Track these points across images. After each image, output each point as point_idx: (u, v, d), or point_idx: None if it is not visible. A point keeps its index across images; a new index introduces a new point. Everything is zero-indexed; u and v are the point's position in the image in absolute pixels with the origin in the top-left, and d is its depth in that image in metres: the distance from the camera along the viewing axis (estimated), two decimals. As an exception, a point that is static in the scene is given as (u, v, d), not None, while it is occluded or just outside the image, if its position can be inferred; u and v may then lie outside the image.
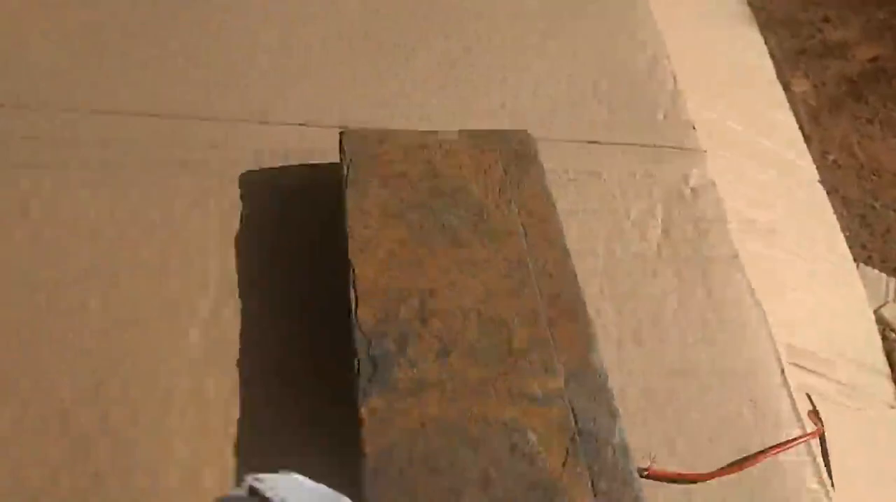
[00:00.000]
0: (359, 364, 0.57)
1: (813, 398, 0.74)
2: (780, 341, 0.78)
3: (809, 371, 0.84)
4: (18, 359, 0.59)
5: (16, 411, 0.57)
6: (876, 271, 1.47)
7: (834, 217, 1.06)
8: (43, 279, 0.63)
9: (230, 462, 0.57)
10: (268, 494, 0.41)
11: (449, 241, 0.63)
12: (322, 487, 0.43)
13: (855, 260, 1.08)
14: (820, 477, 0.61)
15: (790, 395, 0.65)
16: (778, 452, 0.61)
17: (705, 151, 0.82)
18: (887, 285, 1.48)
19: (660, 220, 0.76)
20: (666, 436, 0.62)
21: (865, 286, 1.16)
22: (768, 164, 1.07)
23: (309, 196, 0.72)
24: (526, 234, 0.64)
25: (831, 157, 1.61)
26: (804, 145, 1.15)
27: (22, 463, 0.55)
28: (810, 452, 0.62)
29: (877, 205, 1.56)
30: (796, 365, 0.83)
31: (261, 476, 0.42)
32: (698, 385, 0.65)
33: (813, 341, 0.91)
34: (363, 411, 0.54)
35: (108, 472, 0.55)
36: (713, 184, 0.80)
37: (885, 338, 1.25)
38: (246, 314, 0.64)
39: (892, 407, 0.99)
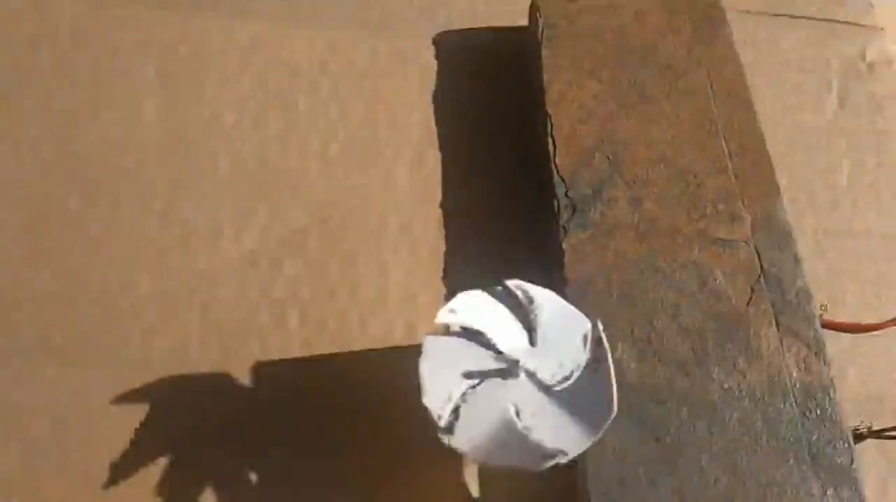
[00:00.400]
0: (559, 204, 0.63)
1: None
2: None
3: None
4: (256, 190, 0.68)
5: (255, 236, 0.66)
6: None
7: None
8: (273, 128, 0.71)
9: (440, 286, 0.65)
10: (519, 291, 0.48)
11: (638, 97, 0.67)
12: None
13: None
14: None
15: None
16: (946, 310, 0.64)
17: (883, 28, 0.82)
18: None
19: (836, 94, 0.78)
20: (836, 291, 0.66)
21: None
22: None
23: (500, 56, 0.77)
24: (714, 92, 0.67)
25: None
26: None
27: (265, 278, 0.64)
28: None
29: None
30: None
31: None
32: (867, 247, 0.69)
33: None
34: (565, 245, 0.61)
35: (339, 289, 0.64)
36: (890, 61, 0.80)
37: None
38: (446, 161, 0.71)
39: None
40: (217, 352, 0.60)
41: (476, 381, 0.46)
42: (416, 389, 0.45)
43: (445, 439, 0.44)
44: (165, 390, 0.58)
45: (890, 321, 0.64)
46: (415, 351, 0.54)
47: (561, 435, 0.45)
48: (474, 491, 0.53)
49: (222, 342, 0.61)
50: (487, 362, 0.47)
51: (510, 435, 0.44)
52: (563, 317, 0.49)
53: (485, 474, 0.54)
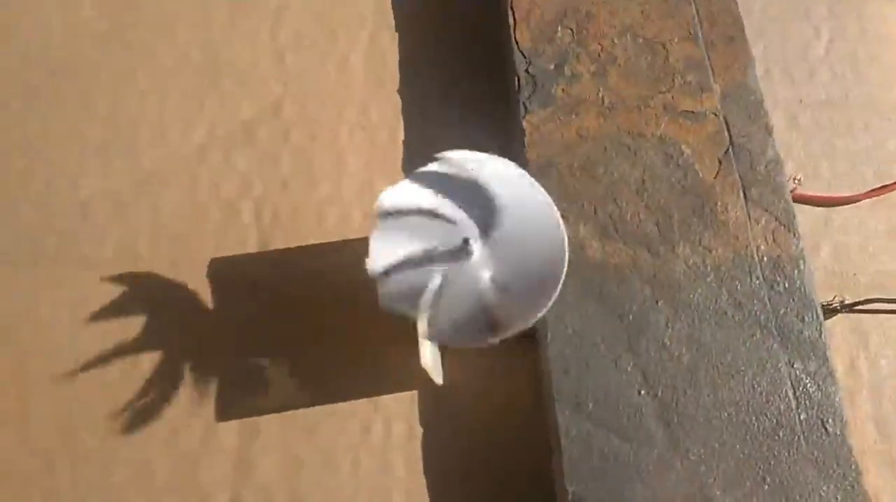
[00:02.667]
0: (519, 81, 0.59)
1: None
2: None
3: None
4: (202, 82, 0.64)
5: (203, 130, 0.63)
6: None
7: None
8: (218, 16, 0.67)
9: (399, 174, 0.62)
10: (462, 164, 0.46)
11: None
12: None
13: None
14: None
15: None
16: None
17: None
18: None
19: (815, -45, 0.73)
20: (810, 162, 0.63)
21: None
22: None
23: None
24: None
25: None
26: None
27: (215, 172, 0.61)
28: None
29: None
30: None
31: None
32: (845, 116, 0.66)
33: None
34: (525, 124, 0.58)
35: (294, 181, 0.61)
36: None
37: None
38: (403, 42, 0.67)
39: None
40: (169, 251, 0.58)
41: (428, 259, 0.44)
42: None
43: (387, 304, 0.42)
44: (116, 291, 0.56)
45: (865, 193, 0.61)
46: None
47: (515, 308, 0.43)
48: (437, 377, 0.52)
49: (174, 241, 0.59)
50: (439, 239, 0.45)
51: (467, 310, 0.42)
52: (510, 184, 0.46)
53: (450, 355, 0.53)
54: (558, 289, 0.43)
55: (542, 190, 0.46)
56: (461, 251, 0.44)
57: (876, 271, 0.59)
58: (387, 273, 0.43)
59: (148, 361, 0.54)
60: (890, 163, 0.62)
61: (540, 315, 0.44)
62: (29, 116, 0.63)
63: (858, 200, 0.61)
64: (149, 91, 0.64)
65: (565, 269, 0.44)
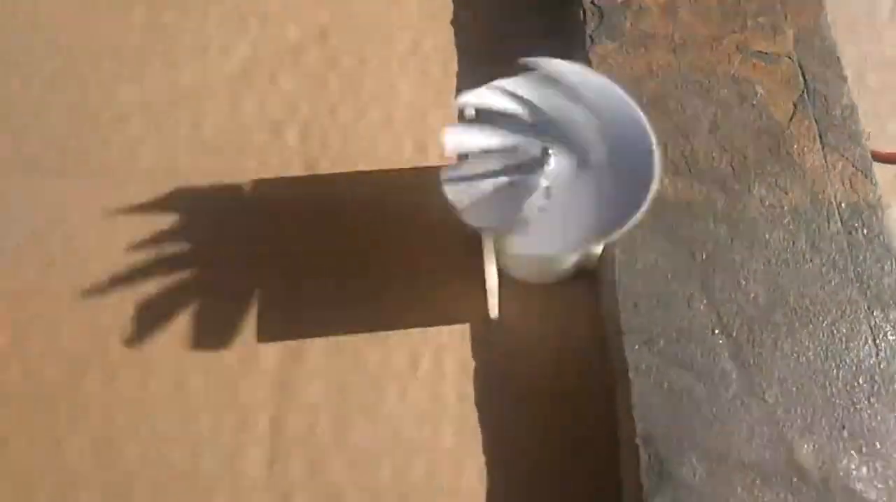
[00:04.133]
0: (585, 13, 0.56)
1: None
2: None
3: None
4: (246, 3, 0.61)
5: (247, 49, 0.60)
6: None
7: None
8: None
9: (452, 106, 0.59)
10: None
11: None
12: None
13: None
14: None
15: None
16: None
17: None
18: None
19: None
20: (878, 121, 0.61)
21: None
22: None
23: None
24: None
25: None
26: None
27: (259, 91, 0.58)
28: None
29: None
30: None
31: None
32: (909, 80, 0.63)
33: None
34: (591, 55, 0.55)
35: (341, 105, 0.58)
36: None
37: None
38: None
39: None
40: (209, 168, 0.54)
41: (502, 166, 0.41)
42: (435, 201, 0.40)
43: (463, 218, 0.39)
44: (150, 204, 0.53)
45: (933, 154, 0.59)
46: (424, 172, 0.49)
47: (587, 227, 0.40)
48: (493, 311, 0.49)
49: (214, 158, 0.55)
50: (515, 149, 0.42)
51: (537, 220, 0.39)
52: (605, 95, 0.43)
53: (505, 292, 0.50)
54: (645, 205, 0.40)
55: (635, 106, 0.43)
56: (538, 161, 0.41)
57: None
58: (464, 189, 0.40)
59: (183, 278, 0.50)
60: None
61: (623, 230, 0.40)
62: (61, 18, 0.59)
63: (926, 161, 0.58)
64: (189, 6, 0.60)
65: (654, 185, 0.40)
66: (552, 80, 0.43)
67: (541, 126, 0.42)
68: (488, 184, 0.41)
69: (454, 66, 0.60)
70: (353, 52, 0.59)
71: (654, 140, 0.42)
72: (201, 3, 0.61)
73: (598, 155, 0.42)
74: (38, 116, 0.56)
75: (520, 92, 0.42)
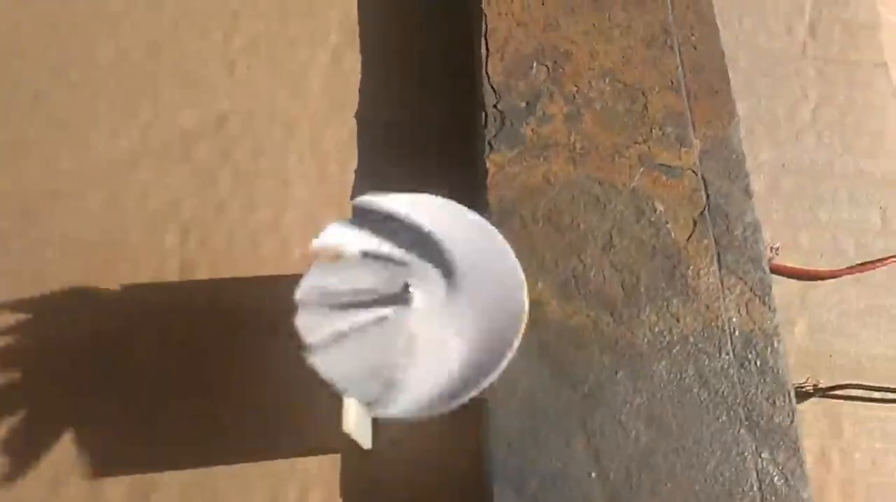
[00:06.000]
0: (486, 116, 0.54)
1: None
2: None
3: None
4: (141, 83, 0.58)
5: (136, 135, 0.57)
6: None
7: None
8: (168, 16, 0.61)
9: (346, 207, 0.56)
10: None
11: (589, 2, 0.59)
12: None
13: None
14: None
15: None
16: (904, 261, 0.58)
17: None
18: None
19: (807, 18, 0.70)
20: (790, 231, 0.59)
21: None
22: None
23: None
24: (672, 3, 0.59)
25: None
26: None
27: (146, 186, 0.55)
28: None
29: None
30: None
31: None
32: (829, 186, 0.62)
33: None
34: (488, 163, 0.53)
35: (230, 203, 0.55)
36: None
37: None
38: (367, 64, 0.62)
39: None
40: (79, 270, 0.51)
41: (361, 310, 0.38)
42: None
43: (313, 364, 0.36)
44: (12, 308, 0.49)
45: (846, 269, 0.57)
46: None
47: (451, 372, 0.37)
48: (365, 441, 0.46)
49: (85, 258, 0.52)
50: (375, 288, 0.39)
51: (389, 374, 0.36)
52: (460, 229, 0.41)
53: (378, 420, 0.47)
54: (512, 352, 0.38)
55: (498, 235, 0.40)
56: (401, 297, 0.38)
57: (853, 353, 0.54)
58: (321, 328, 0.37)
59: (35, 395, 0.47)
60: (873, 237, 0.58)
61: (493, 378, 0.38)
62: None
63: (838, 275, 0.57)
64: (80, 84, 0.57)
65: (522, 329, 0.38)
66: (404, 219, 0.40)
67: (403, 262, 0.40)
68: (348, 330, 0.38)
69: (354, 164, 0.57)
70: (249, 145, 0.57)
71: (521, 273, 0.40)
72: (93, 82, 0.58)
73: (462, 290, 0.39)
74: None
75: (378, 229, 0.40)
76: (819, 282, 0.57)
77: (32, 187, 0.54)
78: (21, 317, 0.50)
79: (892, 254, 0.58)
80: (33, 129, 0.56)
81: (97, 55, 0.59)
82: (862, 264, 0.58)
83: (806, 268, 0.57)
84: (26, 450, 0.45)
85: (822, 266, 0.58)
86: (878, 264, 0.57)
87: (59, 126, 0.56)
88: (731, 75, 0.57)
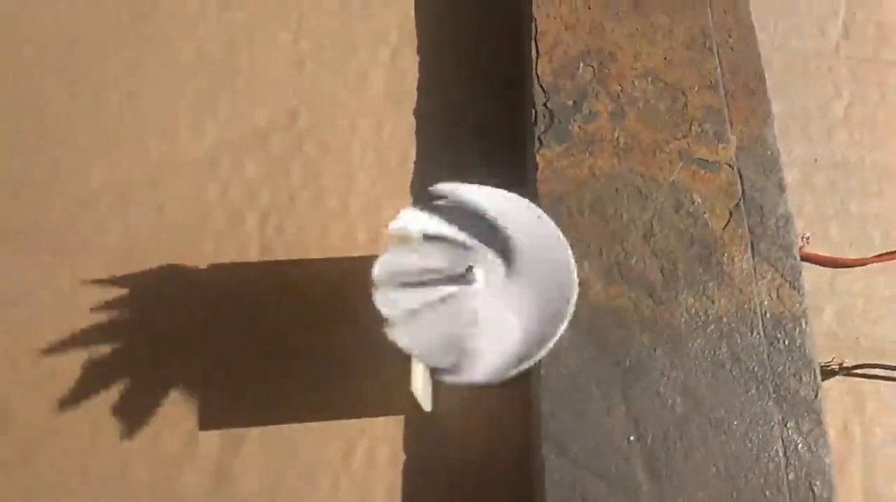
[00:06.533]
0: (536, 114, 0.59)
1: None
2: None
3: None
4: (219, 83, 0.64)
5: (216, 131, 0.63)
6: None
7: None
8: (240, 17, 0.67)
9: (406, 196, 0.61)
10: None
11: (632, 5, 0.63)
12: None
13: None
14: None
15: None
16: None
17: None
18: None
19: (841, 21, 0.73)
20: (820, 222, 0.63)
21: None
22: None
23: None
24: (712, 8, 0.63)
25: None
26: None
27: (226, 177, 0.61)
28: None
29: None
30: None
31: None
32: (859, 180, 0.65)
33: None
34: (538, 158, 0.57)
35: (301, 194, 0.61)
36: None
37: None
38: (424, 63, 0.67)
39: None
40: (168, 251, 0.57)
41: (430, 288, 0.44)
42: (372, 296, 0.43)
43: (393, 337, 0.42)
44: (111, 283, 0.56)
45: (873, 257, 0.61)
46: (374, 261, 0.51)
47: (514, 343, 0.42)
48: (426, 404, 0.51)
49: (174, 240, 0.58)
50: (442, 268, 0.44)
51: (459, 345, 0.42)
52: (519, 218, 0.46)
53: (441, 386, 0.53)
54: (563, 327, 0.43)
55: (552, 224, 0.45)
56: (463, 277, 0.44)
57: (878, 337, 0.58)
58: (396, 303, 0.42)
59: (134, 359, 0.53)
60: (897, 228, 0.62)
61: (546, 350, 0.43)
62: (43, 98, 0.63)
63: (866, 264, 0.61)
64: (164, 85, 0.63)
65: (572, 308, 0.43)
66: (468, 204, 0.45)
67: (467, 245, 0.45)
68: (420, 306, 0.44)
69: (412, 156, 0.63)
70: (317, 139, 0.62)
71: (572, 259, 0.45)
72: (176, 83, 0.64)
73: (520, 272, 0.44)
74: (11, 190, 0.59)
75: (445, 216, 0.45)
76: (847, 270, 0.61)
77: (126, 177, 0.60)
78: (118, 290, 0.56)
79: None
80: (122, 127, 0.62)
81: (179, 55, 0.65)
82: (889, 253, 0.61)
83: (835, 256, 0.61)
84: (130, 407, 0.52)
85: (851, 255, 0.62)
86: None
87: (148, 123, 0.62)
88: (766, 75, 0.61)
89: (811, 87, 0.69)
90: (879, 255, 0.61)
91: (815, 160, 0.65)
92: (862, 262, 0.61)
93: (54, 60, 0.64)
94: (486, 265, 0.45)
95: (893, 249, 0.61)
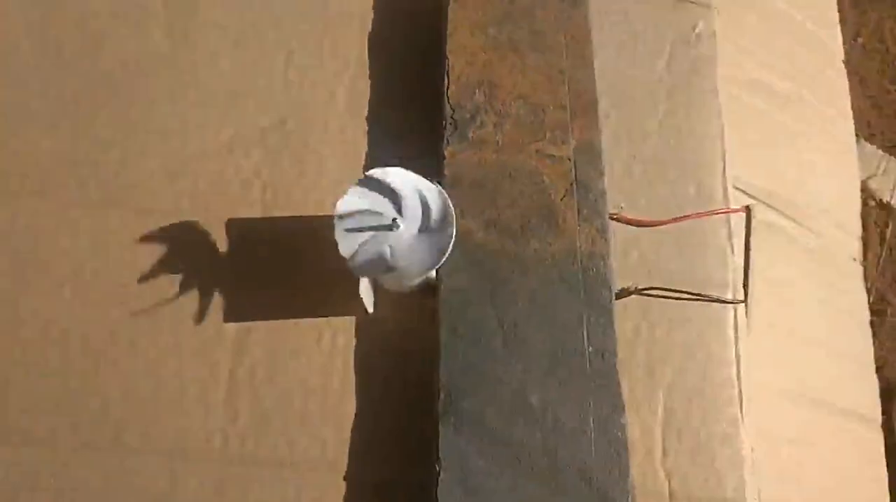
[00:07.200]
0: (445, 124, 0.91)
1: (775, 236, 1.06)
2: (760, 186, 1.08)
3: (779, 212, 1.15)
4: (230, 98, 0.95)
5: (232, 130, 0.94)
6: (874, 147, 1.68)
7: (847, 92, 1.30)
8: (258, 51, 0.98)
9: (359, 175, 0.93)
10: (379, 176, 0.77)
11: (512, 50, 0.95)
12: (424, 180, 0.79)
13: (857, 135, 1.30)
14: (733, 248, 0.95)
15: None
16: (709, 215, 0.95)
17: (711, 6, 1.10)
18: (881, 160, 1.70)
19: (666, 57, 1.07)
20: (629, 205, 0.96)
21: (861, 158, 1.37)
22: (794, 35, 1.31)
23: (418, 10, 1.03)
24: (566, 51, 0.96)
25: (860, 40, 1.74)
26: (838, 26, 1.35)
27: (237, 162, 0.92)
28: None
29: (892, 89, 1.71)
30: (769, 205, 1.14)
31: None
32: (664, 170, 0.99)
33: (791, 191, 1.19)
34: (446, 152, 0.90)
35: (293, 173, 0.93)
36: (714, 33, 1.09)
37: (864, 205, 1.48)
38: (374, 86, 0.99)
39: (855, 260, 1.27)
40: (206, 211, 0.89)
41: (371, 234, 0.76)
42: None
43: (351, 268, 0.74)
44: (161, 242, 0.87)
45: (669, 220, 0.94)
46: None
47: (419, 263, 0.75)
48: (369, 308, 0.84)
49: (209, 205, 0.89)
50: (378, 221, 0.77)
51: (388, 264, 0.75)
52: (425, 190, 0.78)
53: (379, 297, 0.85)
54: (448, 251, 0.75)
55: (444, 193, 0.78)
56: (392, 226, 0.76)
57: (663, 270, 0.92)
58: (348, 241, 0.75)
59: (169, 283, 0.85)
60: (691, 204, 0.95)
61: (437, 266, 0.75)
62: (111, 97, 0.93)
63: (664, 224, 0.94)
64: (187, 99, 0.94)
65: (453, 240, 0.76)
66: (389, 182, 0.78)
67: (393, 205, 0.77)
68: (363, 239, 0.76)
69: (364, 149, 0.95)
70: (302, 136, 0.94)
71: (453, 213, 0.77)
72: (207, 96, 0.95)
73: (423, 224, 0.77)
74: (98, 149, 0.90)
75: (379, 188, 0.77)
76: (650, 229, 0.95)
77: (174, 163, 0.91)
78: (164, 248, 0.87)
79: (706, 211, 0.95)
80: (170, 125, 0.93)
81: (216, 70, 0.96)
82: (678, 217, 0.95)
83: (640, 218, 0.94)
84: (180, 309, 0.83)
85: (651, 218, 0.95)
86: (691, 217, 0.94)
87: (184, 122, 0.93)
88: (604, 98, 0.94)
89: (637, 104, 1.02)
90: (672, 219, 0.95)
91: (626, 155, 0.99)
92: (660, 223, 0.94)
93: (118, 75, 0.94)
94: (404, 219, 0.77)
95: (680, 216, 0.95)
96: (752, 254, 0.99)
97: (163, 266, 0.83)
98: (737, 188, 1.04)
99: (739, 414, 0.85)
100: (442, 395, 0.77)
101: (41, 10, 0.96)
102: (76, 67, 0.92)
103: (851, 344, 1.16)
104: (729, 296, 0.90)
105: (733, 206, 0.95)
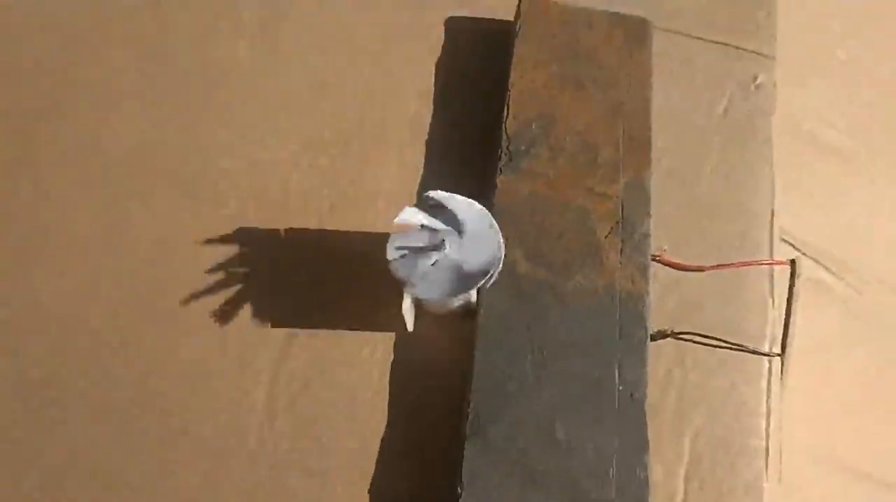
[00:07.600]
0: (500, 154, 0.95)
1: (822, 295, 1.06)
2: (811, 242, 1.08)
3: (828, 269, 1.15)
4: (300, 114, 1.00)
5: (297, 140, 0.99)
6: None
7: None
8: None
9: (413, 199, 0.97)
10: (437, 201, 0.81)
11: (573, 86, 0.98)
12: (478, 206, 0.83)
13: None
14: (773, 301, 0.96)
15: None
16: (752, 264, 0.96)
17: (774, 58, 1.11)
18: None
19: (724, 103, 1.08)
20: (673, 248, 0.97)
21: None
22: (855, 90, 1.30)
23: (485, 41, 1.07)
24: (626, 90, 0.98)
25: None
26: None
27: (302, 173, 0.97)
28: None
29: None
30: (818, 261, 1.14)
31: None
32: (712, 214, 1.00)
33: (843, 250, 1.18)
34: (498, 182, 0.93)
35: (350, 192, 0.97)
36: (774, 84, 1.10)
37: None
38: (435, 115, 1.02)
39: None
40: (267, 218, 0.94)
41: (421, 253, 0.80)
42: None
43: (406, 288, 0.78)
44: (206, 243, 0.92)
45: (711, 266, 0.95)
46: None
47: (463, 286, 0.79)
48: (409, 327, 0.87)
49: (271, 212, 0.94)
50: (429, 241, 0.80)
51: (431, 280, 0.78)
52: (478, 217, 0.82)
53: (419, 318, 0.89)
54: (493, 278, 0.78)
55: (494, 221, 0.81)
56: (440, 245, 0.80)
57: (701, 316, 0.93)
58: (399, 257, 0.78)
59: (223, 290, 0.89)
60: (735, 252, 0.96)
61: (474, 294, 0.78)
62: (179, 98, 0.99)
63: (704, 270, 0.95)
64: (262, 106, 1.00)
65: (500, 267, 0.79)
66: (447, 205, 0.81)
67: (445, 227, 0.81)
68: (414, 258, 0.80)
69: (420, 173, 0.99)
70: (359, 155, 0.98)
71: (502, 242, 0.80)
72: (270, 115, 1.00)
73: (468, 247, 0.80)
74: (182, 144, 0.95)
75: (431, 210, 0.81)
76: (691, 274, 0.96)
77: (241, 171, 0.96)
78: (224, 249, 0.92)
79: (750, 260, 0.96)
80: (239, 138, 0.98)
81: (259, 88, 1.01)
82: (719, 265, 0.96)
83: (682, 263, 0.96)
84: (229, 311, 0.88)
85: (695, 263, 0.96)
86: (734, 265, 0.96)
87: (250, 133, 0.98)
88: (659, 140, 0.96)
89: (691, 149, 1.03)
90: (711, 266, 0.96)
91: (678, 202, 1.00)
92: (701, 269, 0.95)
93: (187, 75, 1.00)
94: (454, 241, 0.80)
95: (723, 263, 0.96)
96: (796, 309, 0.99)
97: (220, 267, 0.88)
98: (784, 240, 1.05)
99: (765, 469, 0.86)
100: (471, 417, 0.80)
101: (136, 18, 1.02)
102: (169, 67, 0.99)
103: (892, 414, 1.15)
104: (766, 349, 0.91)
105: (779, 258, 0.95)
